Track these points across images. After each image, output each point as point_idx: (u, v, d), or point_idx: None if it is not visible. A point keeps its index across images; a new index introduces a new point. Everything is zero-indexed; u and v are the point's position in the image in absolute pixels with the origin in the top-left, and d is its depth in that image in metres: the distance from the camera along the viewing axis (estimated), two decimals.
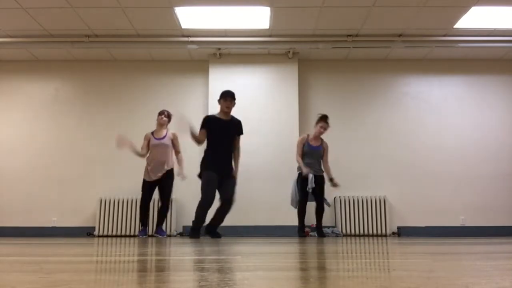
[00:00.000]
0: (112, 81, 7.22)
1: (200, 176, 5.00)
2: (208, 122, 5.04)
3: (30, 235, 6.64)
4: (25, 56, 7.08)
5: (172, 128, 6.17)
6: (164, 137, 5.91)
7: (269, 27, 6.24)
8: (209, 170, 4.91)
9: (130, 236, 6.54)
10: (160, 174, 5.81)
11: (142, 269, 1.48)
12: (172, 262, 1.76)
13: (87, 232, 6.70)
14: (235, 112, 6.84)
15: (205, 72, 7.10)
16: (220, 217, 4.98)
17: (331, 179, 5.80)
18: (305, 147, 5.77)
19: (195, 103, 7.11)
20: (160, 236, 5.76)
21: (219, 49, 6.81)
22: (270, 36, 6.51)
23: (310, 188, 5.54)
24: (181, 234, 6.67)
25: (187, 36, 6.46)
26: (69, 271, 1.41)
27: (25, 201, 6.86)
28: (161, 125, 5.96)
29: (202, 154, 5.13)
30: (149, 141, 5.90)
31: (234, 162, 5.13)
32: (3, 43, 6.45)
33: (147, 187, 5.84)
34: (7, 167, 6.97)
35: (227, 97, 5.07)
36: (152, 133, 5.97)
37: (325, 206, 5.81)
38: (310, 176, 5.58)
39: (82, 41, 6.45)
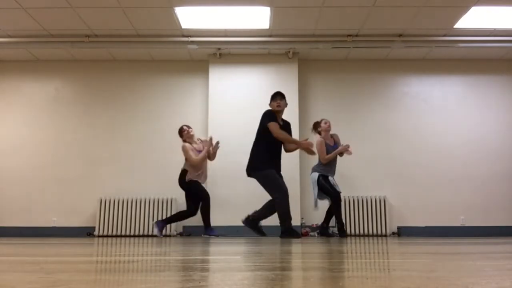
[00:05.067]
0: (112, 81, 7.22)
1: (261, 175, 5.15)
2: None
3: (30, 235, 6.64)
4: (25, 56, 7.07)
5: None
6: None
7: (269, 27, 6.23)
8: (271, 168, 5.17)
9: (130, 236, 6.55)
10: None
11: (142, 269, 1.48)
12: (172, 262, 1.76)
13: (87, 232, 6.70)
14: (236, 112, 6.89)
15: (205, 72, 7.10)
16: (271, 211, 5.26)
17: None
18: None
19: (195, 103, 7.11)
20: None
21: (219, 49, 6.81)
22: (270, 36, 6.51)
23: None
24: (181, 234, 6.67)
25: (187, 36, 6.46)
26: (69, 271, 1.41)
27: (25, 201, 6.86)
28: (191, 137, 6.00)
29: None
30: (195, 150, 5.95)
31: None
32: (3, 43, 6.45)
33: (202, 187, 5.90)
34: (7, 167, 6.97)
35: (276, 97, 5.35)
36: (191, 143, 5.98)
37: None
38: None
39: (82, 41, 6.45)
